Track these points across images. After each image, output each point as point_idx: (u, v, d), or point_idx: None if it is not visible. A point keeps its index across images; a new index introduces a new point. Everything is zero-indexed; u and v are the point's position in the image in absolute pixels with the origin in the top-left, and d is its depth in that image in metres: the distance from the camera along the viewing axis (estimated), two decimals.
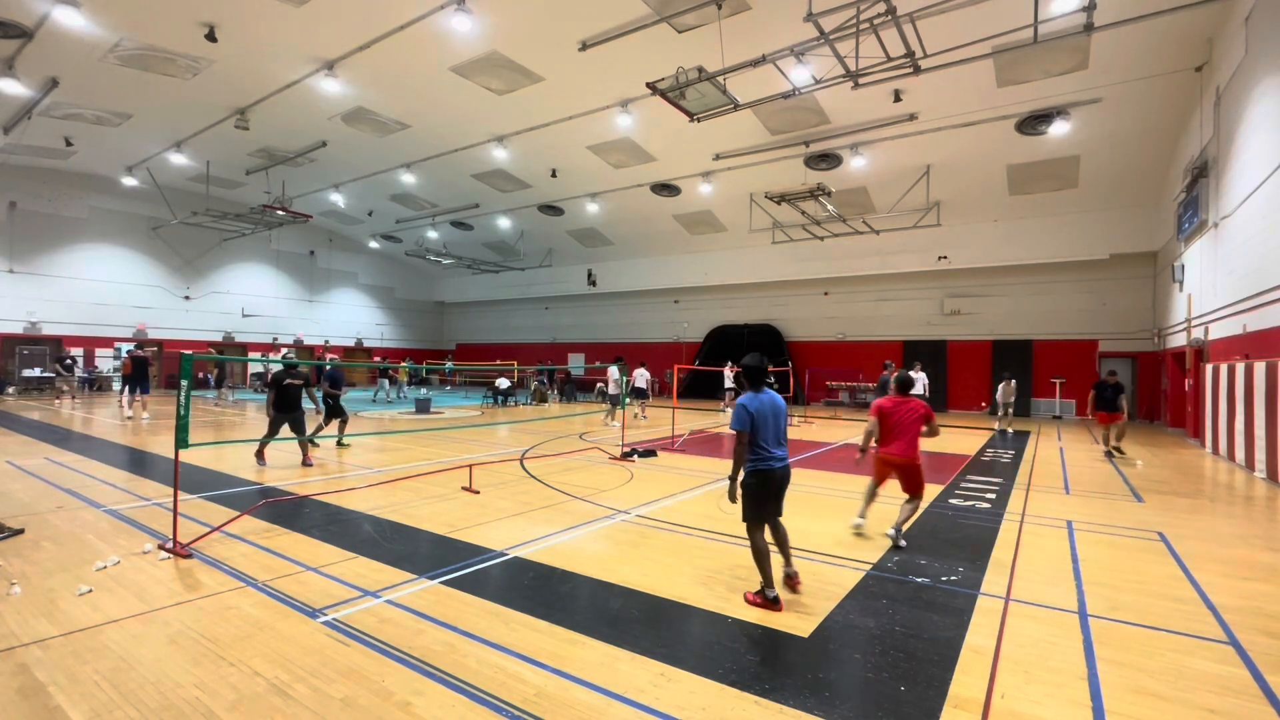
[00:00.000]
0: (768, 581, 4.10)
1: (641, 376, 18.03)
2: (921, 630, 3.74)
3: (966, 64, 11.81)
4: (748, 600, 4.15)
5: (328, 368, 11.11)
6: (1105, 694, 3.06)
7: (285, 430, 8.99)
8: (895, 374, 6.51)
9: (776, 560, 4.35)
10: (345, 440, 11.12)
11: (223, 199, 25.57)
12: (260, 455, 8.98)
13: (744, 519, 4.22)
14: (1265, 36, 9.45)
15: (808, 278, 24.35)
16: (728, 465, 9.62)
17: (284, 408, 8.84)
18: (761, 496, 4.15)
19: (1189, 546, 5.63)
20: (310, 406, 9.75)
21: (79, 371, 24.10)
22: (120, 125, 18.83)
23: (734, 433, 4.11)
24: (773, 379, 4.82)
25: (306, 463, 9.04)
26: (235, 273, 29.23)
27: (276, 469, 8.74)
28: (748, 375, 4.30)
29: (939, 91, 14.20)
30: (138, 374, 14.99)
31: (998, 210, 19.65)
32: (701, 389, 27.57)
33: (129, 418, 14.67)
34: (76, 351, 24.44)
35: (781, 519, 4.36)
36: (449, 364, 26.52)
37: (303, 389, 9.08)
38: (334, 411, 10.70)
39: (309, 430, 9.80)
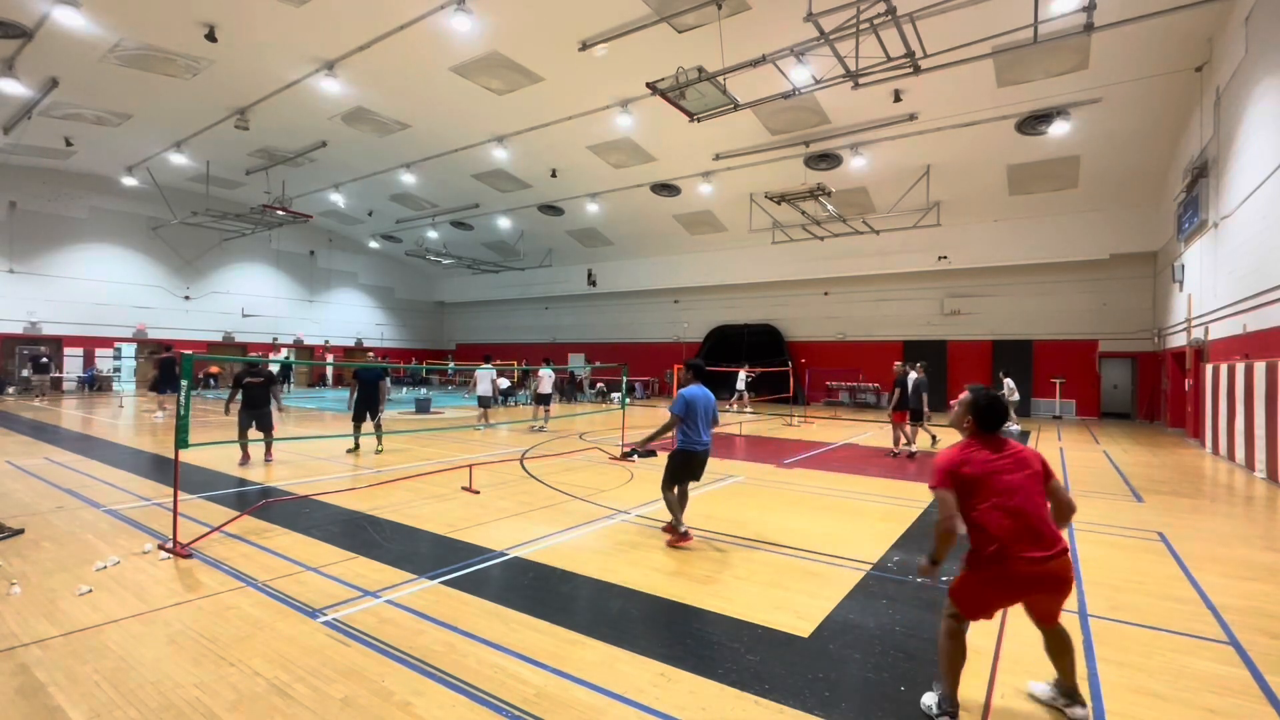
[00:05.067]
0: (679, 521, 5.42)
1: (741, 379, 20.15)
2: (921, 630, 3.74)
3: (966, 64, 11.81)
4: (669, 543, 5.34)
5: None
6: (1105, 694, 3.06)
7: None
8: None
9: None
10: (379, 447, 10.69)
11: (223, 199, 25.56)
12: (244, 453, 9.06)
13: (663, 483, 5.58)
14: (1265, 36, 9.45)
15: (808, 278, 24.36)
16: (726, 465, 9.65)
17: (248, 405, 9.02)
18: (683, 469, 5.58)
19: (1189, 546, 5.62)
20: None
21: (80, 373, 24.18)
22: (120, 125, 18.82)
23: (673, 416, 5.54)
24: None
25: (268, 458, 9.21)
26: (235, 273, 29.22)
27: (277, 469, 8.73)
28: (692, 371, 5.76)
29: (939, 91, 14.20)
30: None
31: (998, 210, 19.65)
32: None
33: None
34: (75, 351, 24.46)
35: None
36: (451, 364, 26.58)
37: (268, 387, 9.23)
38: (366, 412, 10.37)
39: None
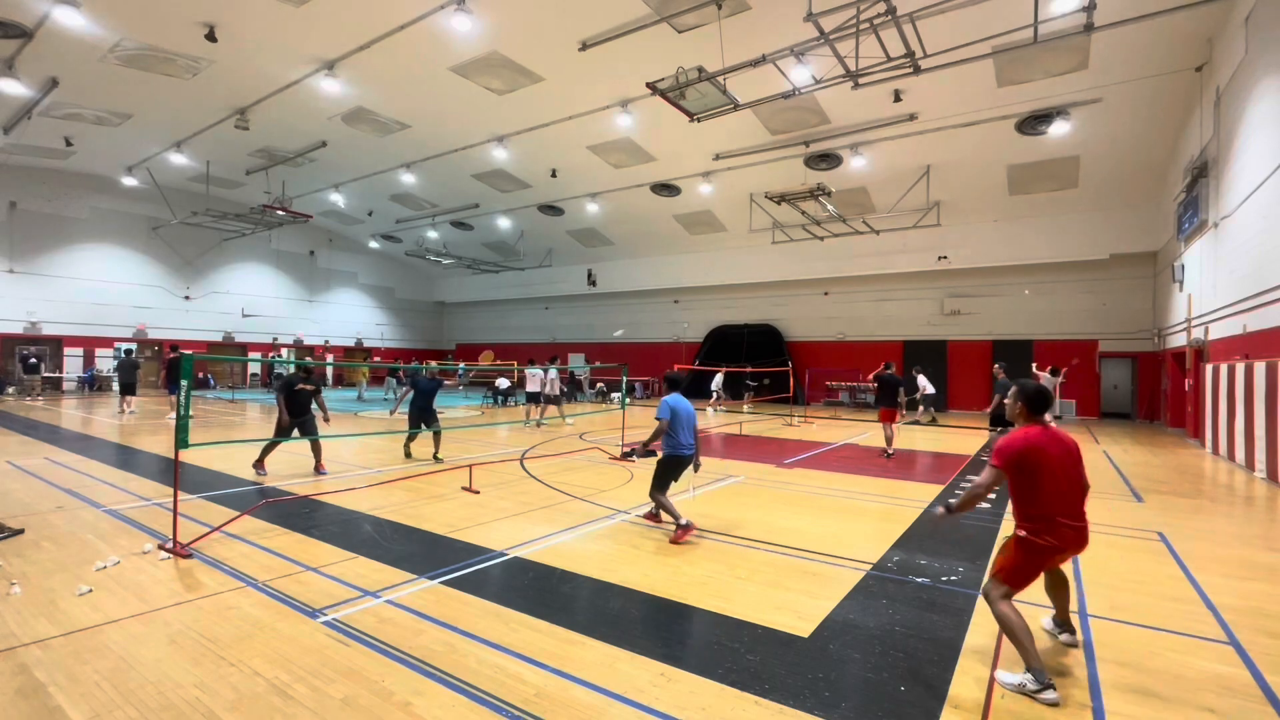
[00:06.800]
0: (676, 515, 5.65)
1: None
2: (921, 630, 3.74)
3: (966, 64, 11.80)
4: (674, 540, 5.48)
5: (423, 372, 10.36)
6: (1105, 694, 3.06)
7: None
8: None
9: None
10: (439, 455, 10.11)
11: (223, 199, 25.56)
12: (260, 464, 8.41)
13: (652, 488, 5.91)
14: (1265, 36, 9.45)
15: (808, 278, 24.36)
16: (725, 465, 9.66)
17: (295, 412, 8.34)
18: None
19: (1189, 546, 5.63)
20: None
21: (80, 373, 24.19)
22: (120, 125, 18.82)
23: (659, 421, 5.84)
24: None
25: (319, 470, 8.53)
26: (235, 273, 29.22)
27: (277, 468, 8.72)
28: (669, 383, 6.20)
29: (939, 91, 14.19)
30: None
31: (998, 210, 19.65)
32: (702, 389, 27.61)
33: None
34: (75, 351, 24.46)
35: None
36: (461, 365, 26.54)
37: (313, 396, 8.53)
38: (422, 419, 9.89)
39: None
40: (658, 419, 5.83)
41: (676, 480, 5.97)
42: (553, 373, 15.16)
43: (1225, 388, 10.75)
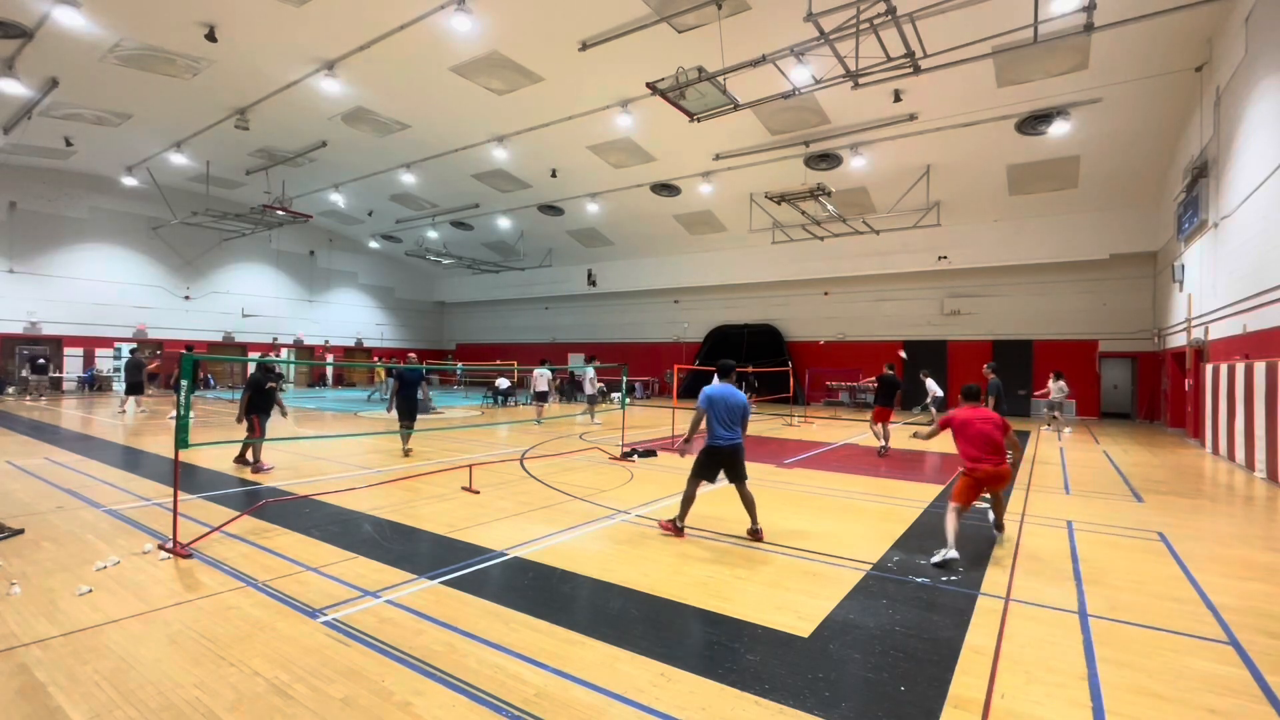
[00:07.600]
0: (682, 516, 5.72)
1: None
2: (921, 630, 3.74)
3: (966, 64, 11.80)
4: (661, 526, 5.83)
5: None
6: (1105, 694, 3.06)
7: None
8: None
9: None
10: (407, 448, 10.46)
11: (223, 199, 25.57)
12: (259, 464, 8.48)
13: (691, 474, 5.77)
14: (1265, 36, 9.45)
15: (808, 278, 24.35)
16: None
17: (265, 410, 8.47)
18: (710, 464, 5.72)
19: (1189, 546, 5.63)
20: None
21: (80, 373, 24.19)
22: (120, 125, 18.82)
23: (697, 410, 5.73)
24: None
25: (244, 461, 8.53)
26: (235, 273, 29.21)
27: (276, 470, 8.72)
28: (717, 371, 6.11)
29: (939, 91, 14.19)
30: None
31: (998, 210, 19.65)
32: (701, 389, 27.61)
33: None
34: (75, 351, 24.46)
35: (749, 488, 5.79)
36: (459, 365, 26.51)
37: (275, 393, 8.68)
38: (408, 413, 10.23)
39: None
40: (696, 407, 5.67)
41: (713, 481, 5.80)
42: (590, 371, 15.33)
43: (1225, 388, 10.75)
